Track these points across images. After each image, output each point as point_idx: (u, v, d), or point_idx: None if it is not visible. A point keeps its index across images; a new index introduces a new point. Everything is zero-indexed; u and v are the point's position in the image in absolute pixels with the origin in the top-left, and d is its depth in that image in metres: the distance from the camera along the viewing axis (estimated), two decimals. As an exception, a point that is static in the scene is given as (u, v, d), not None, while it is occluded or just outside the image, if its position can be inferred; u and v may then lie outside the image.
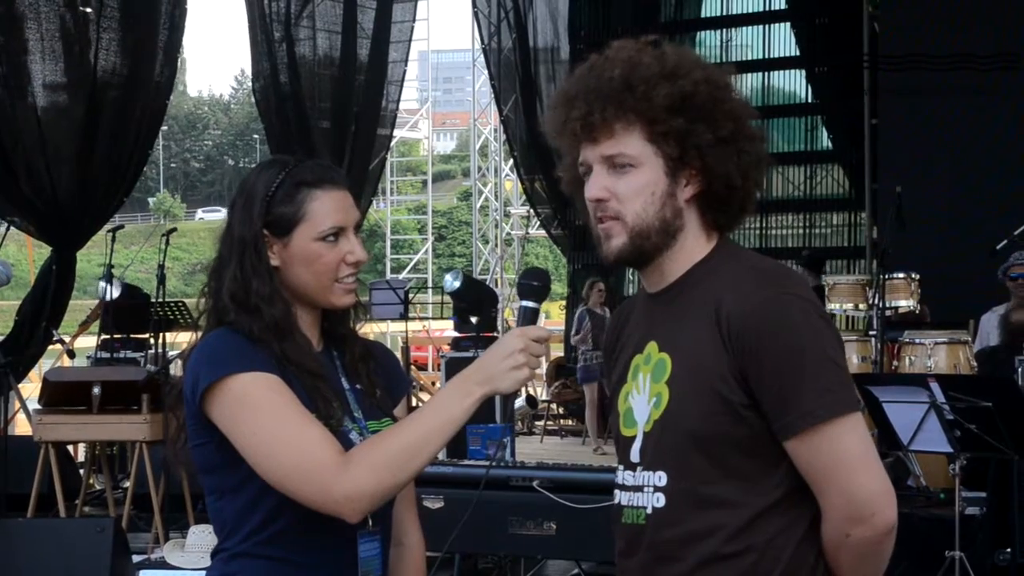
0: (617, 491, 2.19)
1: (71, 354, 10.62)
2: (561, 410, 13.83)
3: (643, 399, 2.14)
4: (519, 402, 12.98)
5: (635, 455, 2.14)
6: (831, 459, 2.00)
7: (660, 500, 2.09)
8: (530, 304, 2.22)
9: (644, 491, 2.11)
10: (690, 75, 2.06)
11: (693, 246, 2.13)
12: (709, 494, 2.05)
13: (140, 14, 10.24)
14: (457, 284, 11.96)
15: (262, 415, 2.14)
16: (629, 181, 2.09)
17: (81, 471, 8.21)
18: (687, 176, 2.09)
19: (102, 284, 9.66)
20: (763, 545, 2.04)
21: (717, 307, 2.04)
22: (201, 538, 5.91)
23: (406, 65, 12.81)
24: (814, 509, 2.05)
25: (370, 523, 2.24)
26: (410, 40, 12.79)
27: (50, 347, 10.44)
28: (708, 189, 2.10)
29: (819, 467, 2.01)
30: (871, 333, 8.51)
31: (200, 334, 2.30)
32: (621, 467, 2.19)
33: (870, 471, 2.02)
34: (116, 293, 9.66)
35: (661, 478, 2.09)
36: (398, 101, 12.90)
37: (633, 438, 2.15)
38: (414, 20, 12.87)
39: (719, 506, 2.04)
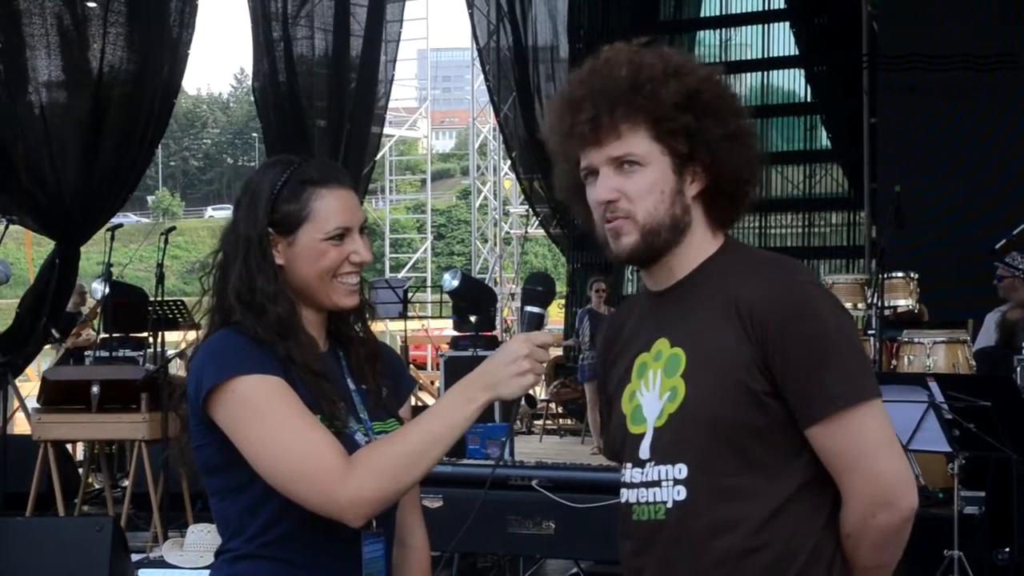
0: (624, 490, 2.18)
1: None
2: (560, 409, 13.83)
3: (653, 395, 2.14)
4: (518, 401, 12.97)
5: (644, 451, 2.14)
6: (856, 444, 2.02)
7: (681, 493, 2.08)
8: (534, 309, 2.22)
9: (662, 485, 2.11)
10: (695, 72, 2.09)
11: (700, 243, 2.15)
12: (731, 485, 2.05)
13: (149, 10, 10.22)
14: (456, 283, 11.95)
15: (266, 418, 2.13)
16: (638, 180, 2.10)
17: (80, 470, 8.21)
18: (692, 173, 2.11)
19: (94, 284, 9.67)
20: (787, 538, 2.05)
21: (736, 298, 2.06)
22: (200, 537, 5.91)
23: (395, 66, 12.85)
24: (831, 500, 2.07)
25: (374, 525, 2.24)
26: (399, 40, 12.83)
27: (48, 346, 10.44)
28: (715, 185, 2.12)
29: (844, 452, 2.03)
30: (870, 332, 8.51)
31: (203, 333, 2.29)
32: (628, 465, 2.18)
33: (894, 456, 2.05)
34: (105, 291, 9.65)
35: (681, 471, 2.09)
36: (388, 100, 12.94)
37: (642, 435, 2.15)
38: (401, 20, 12.90)
39: (741, 497, 2.05)
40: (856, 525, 2.05)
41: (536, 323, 2.20)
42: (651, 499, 2.12)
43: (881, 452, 2.03)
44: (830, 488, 2.06)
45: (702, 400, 2.07)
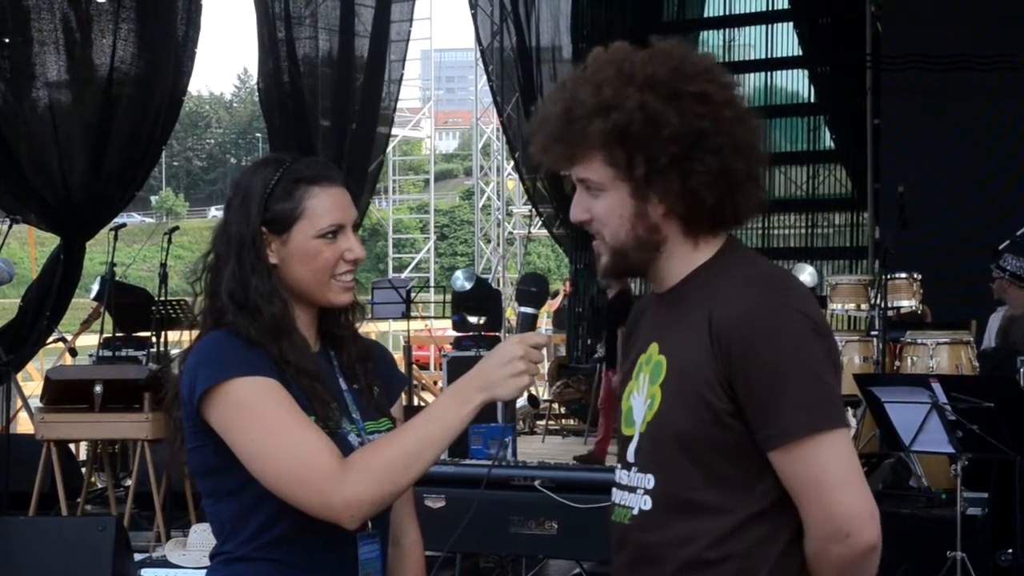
0: (614, 488, 2.21)
1: (73, 352, 10.63)
2: (563, 410, 13.82)
3: (641, 399, 2.15)
4: (520, 402, 12.99)
5: (631, 455, 2.16)
6: (810, 475, 1.99)
7: (647, 503, 2.10)
8: (528, 310, 2.22)
9: (636, 492, 2.12)
10: (624, 106, 2.02)
11: (684, 253, 2.13)
12: (694, 499, 2.05)
13: (157, 8, 10.22)
14: (469, 285, 11.93)
15: (260, 420, 2.13)
16: (600, 204, 2.11)
17: (83, 469, 8.21)
18: (654, 196, 2.07)
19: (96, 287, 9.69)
20: (745, 553, 2.03)
21: (710, 313, 2.03)
22: (203, 537, 5.90)
23: (403, 66, 12.83)
24: (797, 520, 2.04)
25: (369, 526, 2.24)
26: (407, 40, 12.81)
27: (52, 345, 10.43)
28: (677, 208, 2.08)
29: (798, 482, 2.00)
30: (873, 333, 8.52)
31: (196, 335, 2.29)
32: (619, 465, 2.20)
33: (850, 490, 1.99)
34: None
35: (650, 481, 2.10)
36: (396, 100, 12.93)
37: (631, 437, 2.16)
38: (411, 20, 12.88)
39: (703, 512, 2.04)
40: (812, 555, 2.03)
41: (530, 324, 2.20)
42: (625, 503, 2.15)
43: (835, 486, 1.98)
44: (796, 509, 2.03)
45: (670, 413, 2.07)
